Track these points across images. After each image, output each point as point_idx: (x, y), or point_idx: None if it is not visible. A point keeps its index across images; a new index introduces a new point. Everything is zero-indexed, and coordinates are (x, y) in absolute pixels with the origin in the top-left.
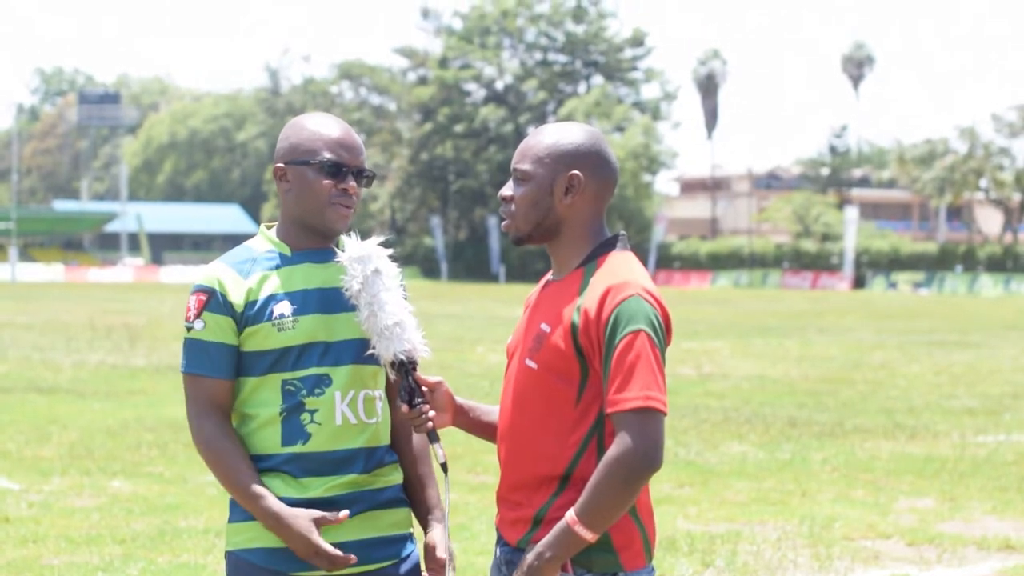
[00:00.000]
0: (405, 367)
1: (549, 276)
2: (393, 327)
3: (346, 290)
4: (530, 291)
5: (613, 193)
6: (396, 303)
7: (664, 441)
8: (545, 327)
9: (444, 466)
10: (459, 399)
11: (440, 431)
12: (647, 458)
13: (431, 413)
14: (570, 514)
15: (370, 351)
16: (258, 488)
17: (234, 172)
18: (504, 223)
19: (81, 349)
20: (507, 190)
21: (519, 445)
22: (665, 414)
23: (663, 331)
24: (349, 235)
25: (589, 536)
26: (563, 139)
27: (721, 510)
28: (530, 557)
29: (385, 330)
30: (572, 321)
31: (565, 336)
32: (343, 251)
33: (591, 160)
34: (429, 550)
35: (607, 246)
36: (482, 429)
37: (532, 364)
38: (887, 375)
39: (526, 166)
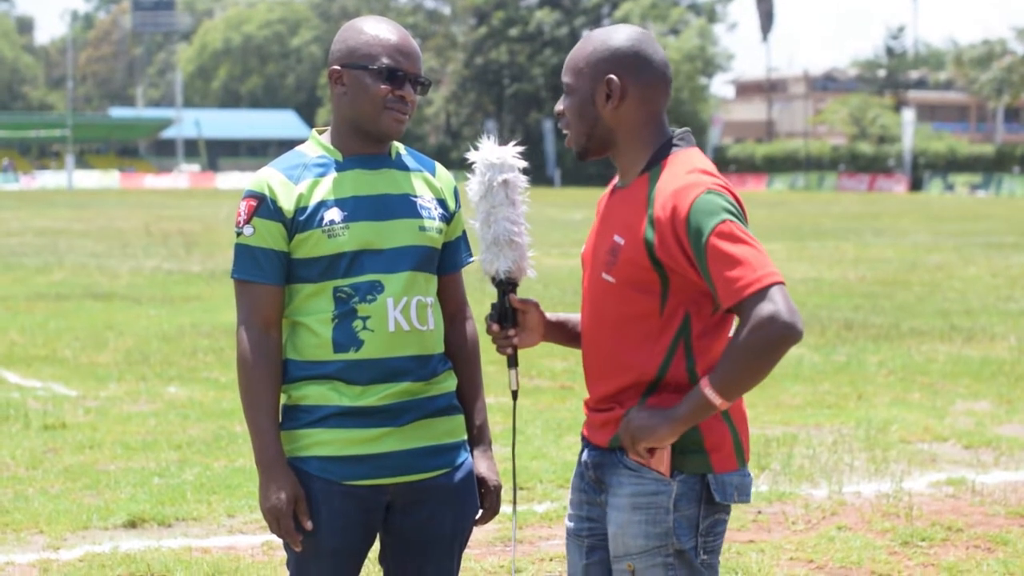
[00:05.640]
0: (503, 286)
1: (616, 181)
2: (504, 243)
3: (470, 191)
4: (590, 194)
5: (666, 93)
6: (514, 219)
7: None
8: (619, 239)
9: (515, 393)
10: (550, 315)
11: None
12: (789, 326)
13: (515, 340)
14: (702, 380)
15: (474, 258)
16: (269, 424)
17: (289, 78)
18: (567, 140)
19: (137, 255)
20: (559, 104)
21: (604, 358)
22: (784, 282)
23: (742, 214)
24: (488, 137)
25: (718, 401)
26: (600, 45)
27: (777, 413)
28: (657, 416)
29: (494, 244)
30: (646, 237)
31: (640, 251)
32: (478, 150)
33: (629, 63)
34: (478, 478)
35: (669, 147)
36: (576, 341)
37: (610, 279)
38: (944, 277)
39: (568, 78)
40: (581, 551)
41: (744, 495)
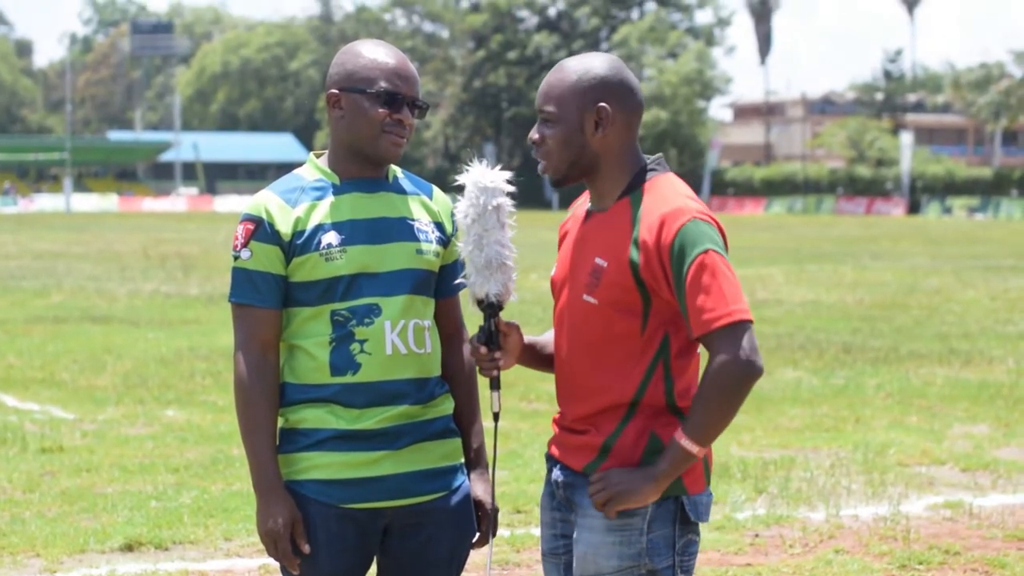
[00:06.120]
0: (492, 309)
1: (587, 206)
2: (496, 267)
3: (461, 214)
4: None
5: (641, 119)
6: (504, 242)
7: (758, 346)
8: (601, 262)
9: (496, 415)
10: (525, 338)
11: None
12: (749, 365)
13: (500, 363)
14: (677, 432)
15: (459, 280)
16: (266, 448)
17: (287, 101)
18: (540, 167)
19: (135, 279)
20: (535, 133)
21: (582, 379)
22: (752, 322)
23: (724, 246)
24: (480, 161)
25: (695, 449)
26: (585, 74)
27: (775, 436)
28: (638, 477)
29: (485, 268)
30: (631, 258)
31: (624, 272)
32: (467, 172)
33: (616, 90)
34: (475, 501)
35: (645, 172)
36: (544, 363)
37: (592, 300)
38: (942, 301)
39: (551, 107)
40: (559, 569)
41: (707, 513)
